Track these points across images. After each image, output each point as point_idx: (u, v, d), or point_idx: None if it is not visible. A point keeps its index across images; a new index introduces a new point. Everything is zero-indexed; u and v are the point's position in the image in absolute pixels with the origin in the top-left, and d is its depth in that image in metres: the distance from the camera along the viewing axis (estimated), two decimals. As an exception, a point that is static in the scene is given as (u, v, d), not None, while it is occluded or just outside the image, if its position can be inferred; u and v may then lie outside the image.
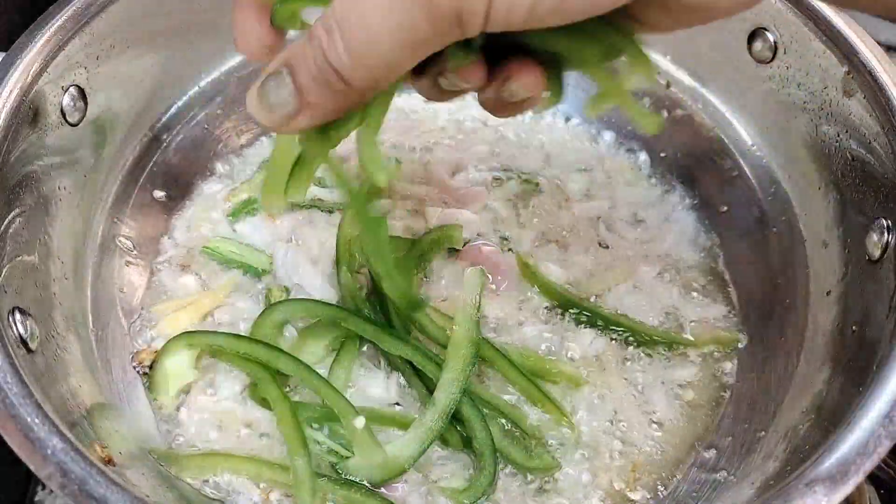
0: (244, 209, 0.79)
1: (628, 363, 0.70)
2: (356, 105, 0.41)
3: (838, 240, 0.66)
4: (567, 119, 0.87)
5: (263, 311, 0.70)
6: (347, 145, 0.46)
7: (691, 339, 0.71)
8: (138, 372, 0.69)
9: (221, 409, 0.67)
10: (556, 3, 0.34)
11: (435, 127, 0.88)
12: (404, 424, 0.64)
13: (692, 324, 0.73)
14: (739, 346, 0.71)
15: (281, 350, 0.67)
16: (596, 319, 0.72)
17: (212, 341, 0.68)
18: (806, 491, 0.46)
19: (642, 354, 0.71)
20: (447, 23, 0.34)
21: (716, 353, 0.71)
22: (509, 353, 0.68)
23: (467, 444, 0.64)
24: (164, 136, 0.80)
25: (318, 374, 0.65)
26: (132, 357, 0.69)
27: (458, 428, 0.65)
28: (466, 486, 0.62)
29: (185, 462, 0.62)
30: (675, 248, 0.78)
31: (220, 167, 0.83)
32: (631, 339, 0.71)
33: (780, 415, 0.63)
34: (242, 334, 0.70)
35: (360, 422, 0.62)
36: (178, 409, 0.67)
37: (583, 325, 0.72)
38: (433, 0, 0.34)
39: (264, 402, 0.67)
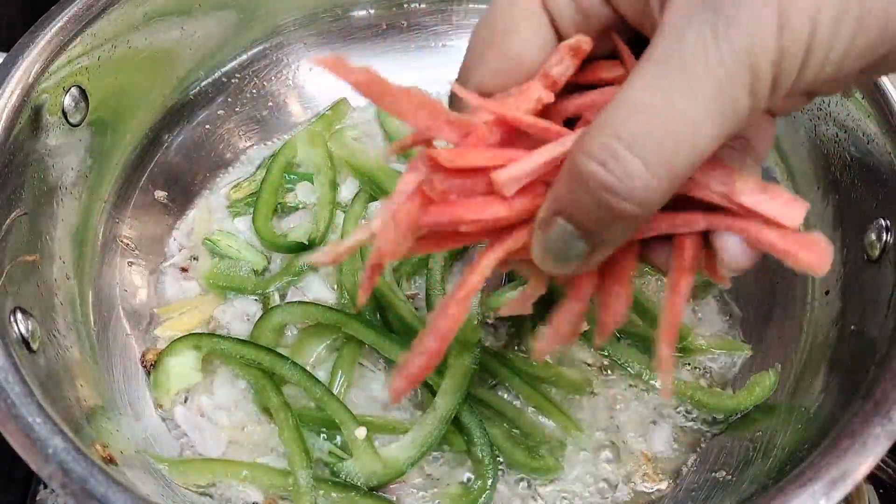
0: (244, 201, 0.80)
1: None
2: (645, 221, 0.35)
3: (837, 240, 0.66)
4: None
5: (263, 315, 0.71)
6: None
7: (703, 344, 0.71)
8: (146, 371, 0.69)
9: (221, 413, 0.67)
10: (880, 26, 0.31)
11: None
12: (404, 431, 0.64)
13: (695, 328, 0.73)
14: (746, 355, 0.71)
15: (285, 358, 0.67)
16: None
17: (217, 345, 0.68)
18: (806, 491, 0.46)
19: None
20: (766, 84, 0.31)
21: (718, 355, 0.72)
22: (512, 361, 0.68)
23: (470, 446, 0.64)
24: (166, 137, 0.80)
25: (320, 382, 0.65)
26: (141, 356, 0.69)
27: (461, 427, 0.65)
28: (465, 491, 0.63)
29: (184, 468, 0.62)
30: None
31: (221, 167, 0.83)
32: (635, 343, 0.72)
33: (779, 414, 0.63)
34: (247, 340, 0.70)
35: (361, 432, 0.62)
36: (177, 410, 0.67)
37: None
38: (754, 66, 0.30)
39: (267, 411, 0.67)
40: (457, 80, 0.41)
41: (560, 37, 0.39)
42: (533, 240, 0.37)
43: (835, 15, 0.30)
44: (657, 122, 0.31)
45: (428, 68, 0.91)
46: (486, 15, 0.40)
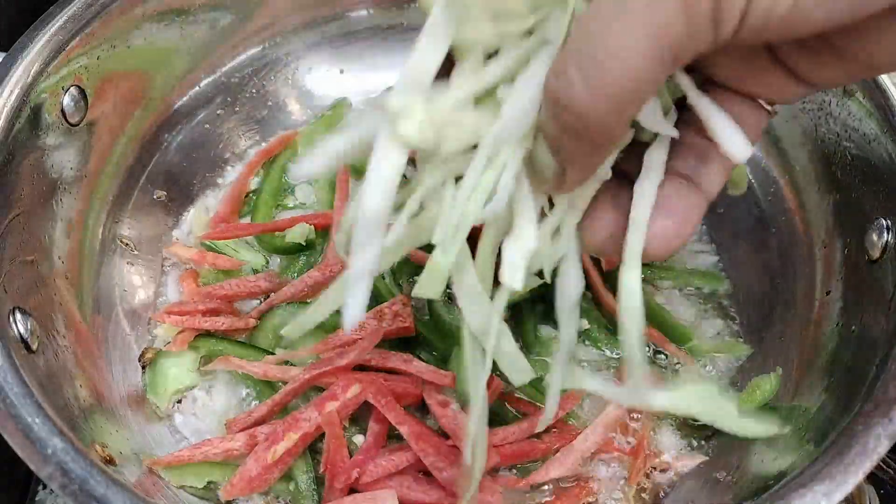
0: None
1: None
2: (604, 149, 0.36)
3: (838, 240, 0.66)
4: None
5: (263, 315, 0.71)
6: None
7: (704, 346, 0.71)
8: (144, 370, 0.69)
9: (219, 415, 0.67)
10: None
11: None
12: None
13: (695, 329, 0.73)
14: (744, 356, 0.71)
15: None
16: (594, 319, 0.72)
17: (215, 346, 0.68)
18: (806, 491, 0.46)
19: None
20: (704, 20, 0.31)
21: (718, 356, 0.71)
22: None
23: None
24: (165, 136, 0.80)
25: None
26: (140, 355, 0.69)
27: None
28: None
29: (182, 470, 0.62)
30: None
31: (221, 167, 0.83)
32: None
33: (780, 414, 0.63)
34: (245, 341, 0.70)
35: None
36: (176, 411, 0.67)
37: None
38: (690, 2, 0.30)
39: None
40: None
41: None
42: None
43: None
44: (596, 39, 0.32)
45: (428, 68, 0.91)
46: None
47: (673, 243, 0.40)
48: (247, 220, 0.79)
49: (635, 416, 0.67)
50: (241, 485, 0.59)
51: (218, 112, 0.84)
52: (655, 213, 0.40)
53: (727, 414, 0.64)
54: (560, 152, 0.37)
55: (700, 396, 0.64)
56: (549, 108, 0.35)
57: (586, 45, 0.32)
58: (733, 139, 0.37)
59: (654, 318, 0.71)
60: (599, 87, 0.32)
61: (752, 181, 0.78)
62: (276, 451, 0.59)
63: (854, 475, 0.46)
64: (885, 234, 0.60)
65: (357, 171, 0.80)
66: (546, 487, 0.64)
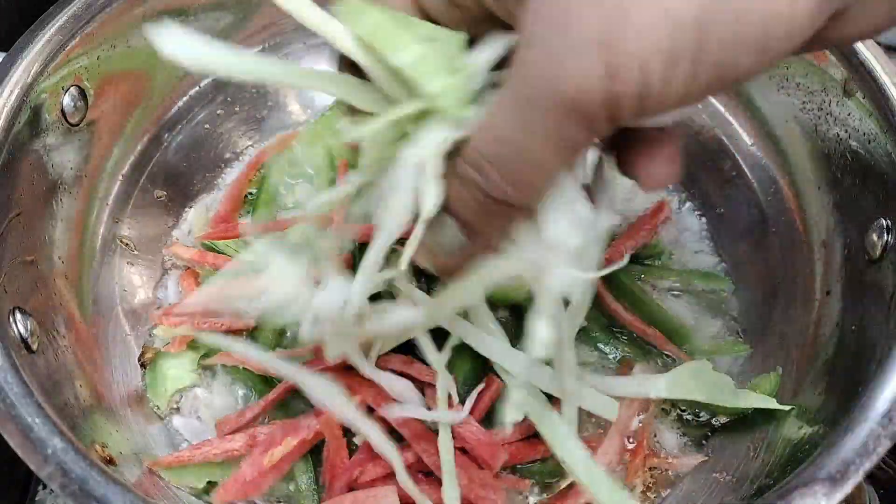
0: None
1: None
2: (522, 217, 0.42)
3: (838, 240, 0.66)
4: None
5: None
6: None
7: (703, 346, 0.71)
8: (144, 370, 0.69)
9: (219, 415, 0.67)
10: (718, 64, 0.33)
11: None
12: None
13: (694, 328, 0.72)
14: (744, 356, 0.71)
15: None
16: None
17: (214, 346, 0.68)
18: (806, 491, 0.46)
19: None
20: (602, 122, 0.35)
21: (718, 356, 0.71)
22: None
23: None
24: (165, 136, 0.80)
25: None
26: (140, 355, 0.69)
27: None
28: None
29: (182, 470, 0.62)
30: (673, 250, 0.78)
31: (221, 167, 0.83)
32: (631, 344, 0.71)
33: (780, 414, 0.63)
34: (244, 341, 0.70)
35: None
36: (175, 412, 0.68)
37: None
38: (584, 110, 0.34)
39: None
40: None
41: (428, 18, 0.43)
42: (419, 242, 0.43)
43: (666, 61, 0.33)
44: (511, 150, 0.37)
45: (427, 68, 0.90)
46: None
47: (671, 176, 0.44)
48: (247, 220, 0.79)
49: (635, 414, 0.67)
50: (235, 488, 0.58)
51: (218, 112, 0.84)
52: (651, 162, 0.43)
53: (724, 388, 0.64)
54: (474, 229, 0.41)
55: (695, 374, 0.64)
56: (474, 195, 0.39)
57: (500, 152, 0.37)
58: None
59: (655, 318, 0.71)
60: (523, 184, 0.38)
61: (752, 181, 0.78)
62: (273, 455, 0.59)
63: (854, 475, 0.46)
64: (885, 234, 0.60)
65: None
66: (546, 487, 0.64)
